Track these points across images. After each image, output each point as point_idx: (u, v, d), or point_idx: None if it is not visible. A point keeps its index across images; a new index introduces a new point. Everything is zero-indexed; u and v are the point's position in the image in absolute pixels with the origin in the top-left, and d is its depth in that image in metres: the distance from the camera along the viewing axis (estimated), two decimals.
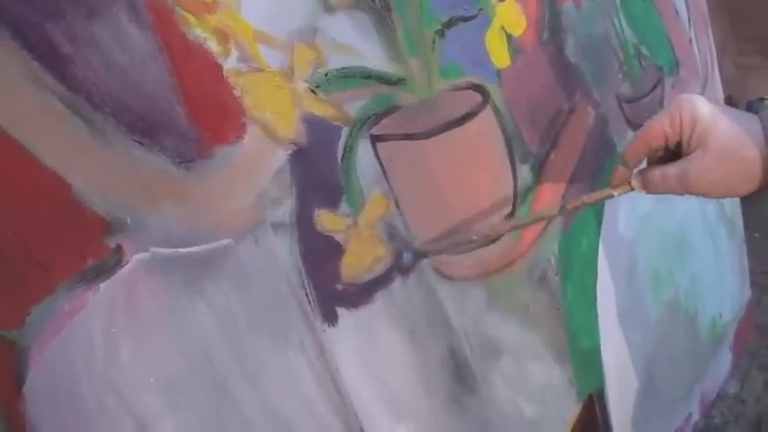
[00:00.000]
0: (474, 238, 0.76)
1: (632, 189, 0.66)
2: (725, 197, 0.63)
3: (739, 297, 1.52)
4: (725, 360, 1.49)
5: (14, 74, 0.47)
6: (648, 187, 0.65)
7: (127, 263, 0.53)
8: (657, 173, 0.63)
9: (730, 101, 1.87)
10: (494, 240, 0.84)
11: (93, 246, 0.51)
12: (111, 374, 0.52)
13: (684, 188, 0.62)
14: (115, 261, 0.52)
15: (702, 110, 0.60)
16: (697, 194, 0.62)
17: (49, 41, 0.48)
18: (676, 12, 1.25)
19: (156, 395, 0.55)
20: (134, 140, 0.52)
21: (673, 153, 0.63)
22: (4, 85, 0.47)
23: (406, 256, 0.74)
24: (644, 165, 0.67)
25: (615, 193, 0.68)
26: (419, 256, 0.75)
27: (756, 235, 2.09)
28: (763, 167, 0.58)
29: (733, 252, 1.47)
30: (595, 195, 0.70)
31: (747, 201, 1.57)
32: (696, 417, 1.38)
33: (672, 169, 0.62)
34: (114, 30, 0.51)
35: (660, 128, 0.62)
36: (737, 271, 1.51)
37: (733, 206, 1.47)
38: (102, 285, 0.52)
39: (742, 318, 1.54)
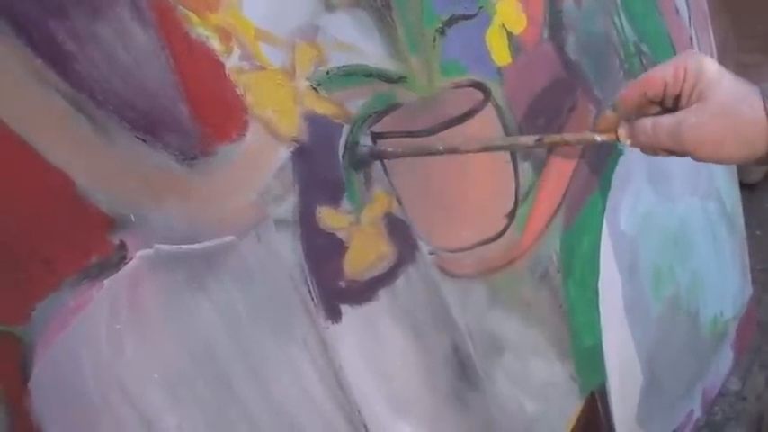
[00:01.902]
0: (440, 148, 0.71)
1: (617, 139, 0.62)
2: (715, 160, 0.59)
3: (740, 294, 1.52)
4: (726, 357, 1.50)
5: (18, 72, 0.47)
6: (637, 137, 0.61)
7: (130, 259, 0.53)
8: (648, 122, 0.60)
9: None
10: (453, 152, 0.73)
11: (97, 242, 0.52)
12: (116, 370, 0.53)
13: (675, 142, 0.58)
14: (119, 258, 0.53)
15: (709, 66, 0.58)
16: (687, 152, 0.59)
17: (52, 39, 0.48)
18: (677, 10, 1.25)
19: (159, 390, 0.55)
20: (137, 138, 0.53)
21: (667, 111, 0.60)
22: (8, 83, 0.47)
23: (362, 150, 0.69)
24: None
25: (598, 138, 0.64)
26: (374, 154, 0.71)
27: (758, 232, 2.09)
28: (759, 132, 0.55)
29: (734, 249, 1.47)
30: (577, 136, 0.67)
31: (749, 198, 1.57)
32: (698, 414, 1.38)
33: (665, 119, 0.59)
34: (117, 28, 0.51)
35: (662, 75, 0.59)
36: (739, 268, 1.51)
37: (734, 203, 1.47)
38: (106, 282, 0.52)
39: (743, 315, 1.54)
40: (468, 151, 0.73)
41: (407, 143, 0.73)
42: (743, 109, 0.56)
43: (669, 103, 0.60)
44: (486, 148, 0.74)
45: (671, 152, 0.61)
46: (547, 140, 0.67)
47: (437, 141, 0.74)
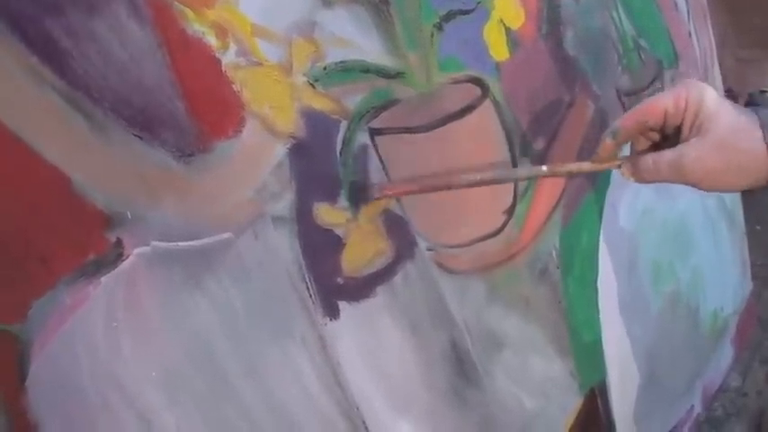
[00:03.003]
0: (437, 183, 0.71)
1: (619, 169, 0.63)
2: (717, 190, 0.61)
3: (740, 290, 1.52)
4: (726, 353, 1.50)
5: (14, 69, 0.47)
6: (640, 174, 0.62)
7: (127, 257, 0.53)
8: (650, 159, 0.60)
9: (730, 93, 1.87)
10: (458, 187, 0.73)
11: (94, 240, 0.52)
12: (113, 368, 0.53)
13: (677, 175, 0.59)
14: (116, 255, 0.53)
15: (710, 96, 0.58)
16: (690, 184, 0.60)
17: (48, 36, 0.48)
18: (675, 4, 1.25)
19: (157, 388, 0.55)
20: (134, 135, 0.52)
21: (665, 141, 0.61)
22: (4, 80, 0.47)
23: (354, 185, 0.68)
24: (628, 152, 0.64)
25: (601, 169, 0.65)
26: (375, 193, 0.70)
27: (758, 227, 2.09)
28: (760, 165, 0.56)
29: (734, 245, 1.47)
30: (582, 165, 0.66)
31: (748, 193, 1.57)
32: (698, 410, 1.38)
33: (666, 155, 0.59)
34: (113, 24, 0.51)
35: (662, 104, 0.59)
36: (738, 264, 1.51)
37: (734, 199, 1.47)
38: (103, 279, 0.52)
39: (743, 311, 1.54)
40: (463, 186, 0.71)
41: (403, 183, 0.73)
42: (743, 141, 0.56)
43: (669, 131, 0.61)
44: (489, 181, 0.72)
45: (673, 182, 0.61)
46: (549, 172, 0.67)
47: (448, 180, 0.73)
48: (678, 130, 0.60)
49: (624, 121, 0.62)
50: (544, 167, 0.69)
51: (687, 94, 0.58)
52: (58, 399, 0.51)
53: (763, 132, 0.56)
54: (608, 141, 0.63)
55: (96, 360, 0.52)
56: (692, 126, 0.59)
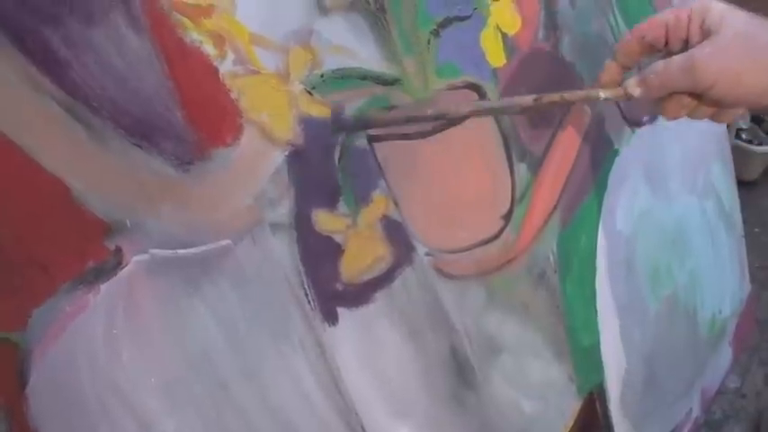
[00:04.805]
0: (429, 112, 0.68)
1: (626, 95, 0.57)
2: (734, 96, 0.53)
3: (739, 292, 1.52)
4: (725, 355, 1.50)
5: (13, 78, 0.47)
6: (648, 84, 0.55)
7: (127, 264, 0.54)
8: (660, 64, 0.55)
9: None
10: (452, 120, 0.71)
11: (94, 248, 0.52)
12: (113, 375, 0.53)
13: (689, 77, 0.53)
14: (115, 263, 0.53)
15: (715, 4, 0.54)
16: (703, 88, 0.53)
17: (47, 46, 0.48)
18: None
19: (157, 395, 0.55)
20: (132, 143, 0.53)
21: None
22: (3, 90, 0.47)
23: (345, 118, 0.66)
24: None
25: (602, 95, 0.59)
26: (360, 123, 0.69)
27: (756, 230, 2.10)
28: None
29: (732, 247, 1.47)
30: (579, 93, 0.62)
31: (747, 195, 1.57)
32: (697, 412, 1.38)
33: (676, 58, 0.54)
34: (112, 34, 0.51)
35: (661, 19, 0.55)
36: (737, 266, 1.51)
37: (732, 201, 1.47)
38: (103, 287, 0.52)
39: (742, 313, 1.54)
40: (458, 115, 0.68)
41: (394, 112, 0.70)
42: (761, 34, 0.52)
43: (676, 49, 0.56)
44: (478, 112, 0.69)
45: (687, 94, 0.55)
46: (545, 99, 0.62)
47: (425, 107, 0.71)
48: (685, 45, 0.55)
49: (622, 40, 0.58)
50: (541, 97, 0.63)
51: (690, 8, 0.54)
52: (58, 405, 0.51)
53: None
54: (610, 64, 0.59)
55: (96, 367, 0.53)
56: (699, 34, 0.54)
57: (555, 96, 0.61)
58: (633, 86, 0.57)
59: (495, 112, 0.81)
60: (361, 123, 0.69)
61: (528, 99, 0.62)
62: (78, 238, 0.51)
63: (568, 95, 0.61)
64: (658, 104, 0.59)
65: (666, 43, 0.57)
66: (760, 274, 1.89)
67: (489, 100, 0.77)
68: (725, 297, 1.45)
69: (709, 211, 1.37)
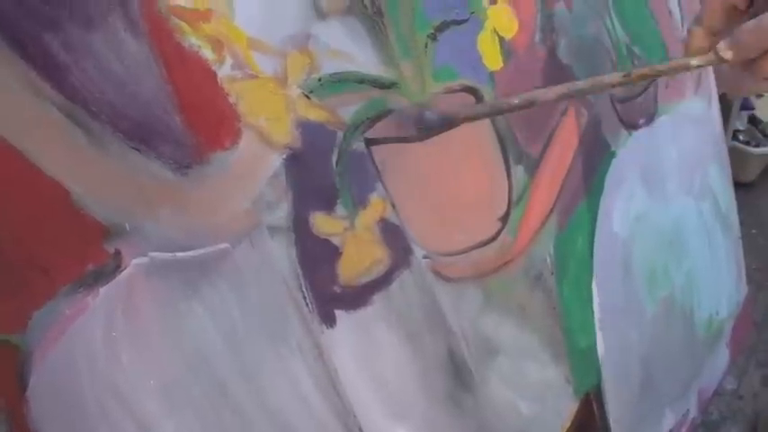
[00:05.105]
0: (516, 102, 0.65)
1: (719, 59, 0.54)
2: None
3: (736, 294, 1.53)
4: (722, 357, 1.50)
5: (13, 83, 0.48)
6: (740, 44, 0.51)
7: (126, 267, 0.54)
8: (752, 23, 0.50)
9: (725, 99, 1.88)
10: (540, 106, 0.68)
11: (93, 251, 0.52)
12: (113, 377, 0.53)
13: None
14: (114, 266, 0.53)
15: None
16: None
17: (46, 51, 0.49)
18: (669, 12, 1.25)
19: (156, 397, 0.55)
20: (131, 147, 0.53)
21: None
22: (4, 96, 0.47)
23: (429, 116, 0.65)
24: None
25: (694, 63, 0.56)
26: (446, 121, 0.67)
27: (753, 231, 2.10)
28: None
29: (729, 249, 1.48)
30: (671, 64, 0.59)
31: (744, 197, 1.57)
32: (694, 414, 1.38)
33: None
34: (111, 39, 0.52)
35: None
36: (734, 268, 1.51)
37: (729, 203, 1.48)
38: (102, 290, 0.53)
39: (739, 314, 1.54)
40: (546, 102, 0.66)
41: (480, 105, 0.69)
42: None
43: (762, 9, 0.52)
44: (567, 95, 0.66)
45: None
46: (635, 73, 0.59)
47: (511, 96, 0.68)
48: None
49: (706, 4, 0.55)
50: (631, 72, 0.60)
51: None
52: (58, 408, 0.52)
53: None
54: (695, 30, 0.56)
55: (96, 369, 0.53)
56: None
57: (645, 69, 0.58)
58: (724, 50, 0.54)
59: (584, 93, 0.77)
60: (448, 121, 0.67)
61: (617, 75, 0.60)
62: (78, 242, 0.52)
63: (659, 67, 0.58)
64: (751, 68, 0.55)
65: (751, 4, 0.54)
66: (757, 275, 1.89)
67: (575, 81, 0.71)
68: (722, 298, 1.46)
69: (706, 212, 1.38)
